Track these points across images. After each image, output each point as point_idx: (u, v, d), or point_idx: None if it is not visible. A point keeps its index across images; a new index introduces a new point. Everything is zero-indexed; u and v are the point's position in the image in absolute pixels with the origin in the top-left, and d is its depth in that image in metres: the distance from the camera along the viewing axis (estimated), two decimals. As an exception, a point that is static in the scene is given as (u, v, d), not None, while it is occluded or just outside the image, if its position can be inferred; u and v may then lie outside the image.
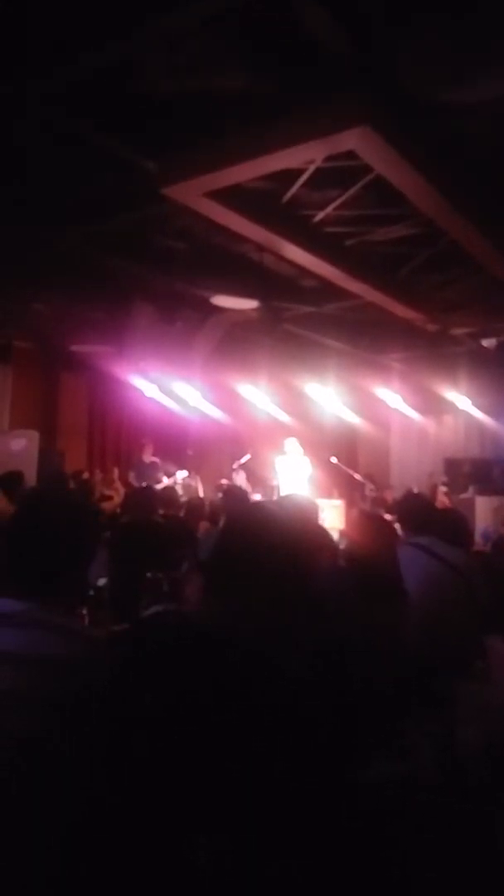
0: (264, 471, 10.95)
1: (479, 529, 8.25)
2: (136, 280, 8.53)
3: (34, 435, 10.04)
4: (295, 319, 9.52)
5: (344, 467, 11.08)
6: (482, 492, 10.70)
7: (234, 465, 11.19)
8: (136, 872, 1.30)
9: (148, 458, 10.80)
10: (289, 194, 5.99)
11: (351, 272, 7.51)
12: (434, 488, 10.29)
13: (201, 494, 10.63)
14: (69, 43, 4.03)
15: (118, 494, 9.24)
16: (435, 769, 2.09)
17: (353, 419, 12.53)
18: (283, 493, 9.30)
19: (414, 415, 12.53)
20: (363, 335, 10.54)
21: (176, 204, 5.84)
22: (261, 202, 6.11)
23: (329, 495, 10.52)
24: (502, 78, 4.39)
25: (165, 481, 10.29)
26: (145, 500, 5.40)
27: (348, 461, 11.60)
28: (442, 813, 1.90)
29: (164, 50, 4.23)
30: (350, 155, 5.00)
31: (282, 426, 11.85)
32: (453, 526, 3.91)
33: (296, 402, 12.24)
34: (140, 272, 8.14)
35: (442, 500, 9.73)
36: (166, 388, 11.41)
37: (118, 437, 12.67)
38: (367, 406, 12.36)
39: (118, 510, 7.52)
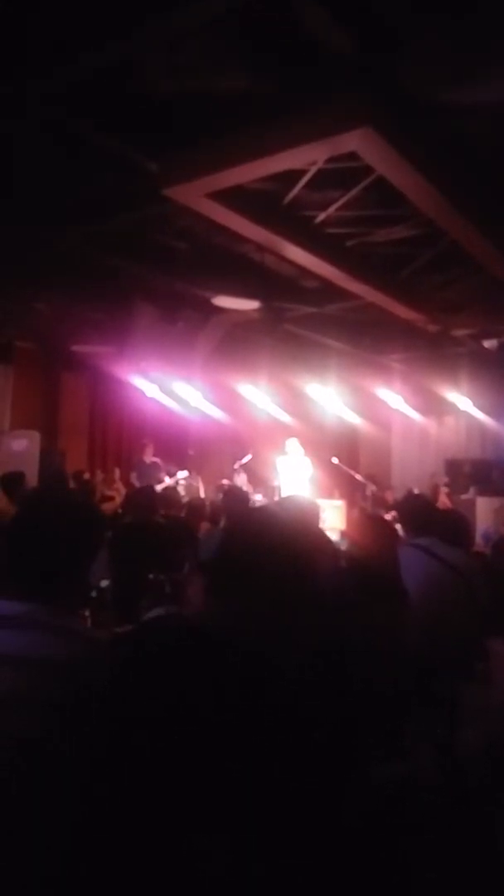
0: (265, 471, 10.96)
1: (479, 530, 8.26)
2: (137, 280, 8.53)
3: (35, 435, 10.04)
4: (296, 320, 9.52)
5: (345, 468, 11.08)
6: (483, 492, 10.72)
7: (236, 466, 11.20)
8: (137, 873, 1.29)
9: (149, 458, 10.80)
10: (290, 195, 6.00)
11: (352, 273, 7.51)
12: (435, 489, 10.29)
13: (202, 495, 10.64)
14: (69, 43, 4.02)
15: (119, 495, 9.25)
16: (435, 769, 2.09)
17: (354, 420, 12.54)
18: (284, 494, 9.31)
19: (415, 415, 12.53)
20: (364, 336, 10.54)
21: (177, 204, 5.84)
22: (262, 203, 6.11)
23: (330, 496, 10.53)
24: (503, 78, 4.39)
25: (167, 481, 10.30)
26: (146, 500, 5.40)
27: (349, 462, 11.60)
28: (442, 813, 1.89)
29: (164, 50, 4.22)
30: (351, 156, 5.00)
31: (283, 426, 11.85)
32: (454, 527, 3.91)
33: (297, 403, 12.25)
34: (141, 272, 8.14)
35: (444, 500, 9.73)
36: (167, 389, 11.42)
37: (119, 437, 12.68)
38: (368, 406, 12.36)
39: (119, 511, 7.53)
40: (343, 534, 6.99)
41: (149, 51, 4.24)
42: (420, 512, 4.01)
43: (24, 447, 9.86)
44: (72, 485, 9.21)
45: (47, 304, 9.08)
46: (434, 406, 12.30)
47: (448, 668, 2.80)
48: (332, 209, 6.31)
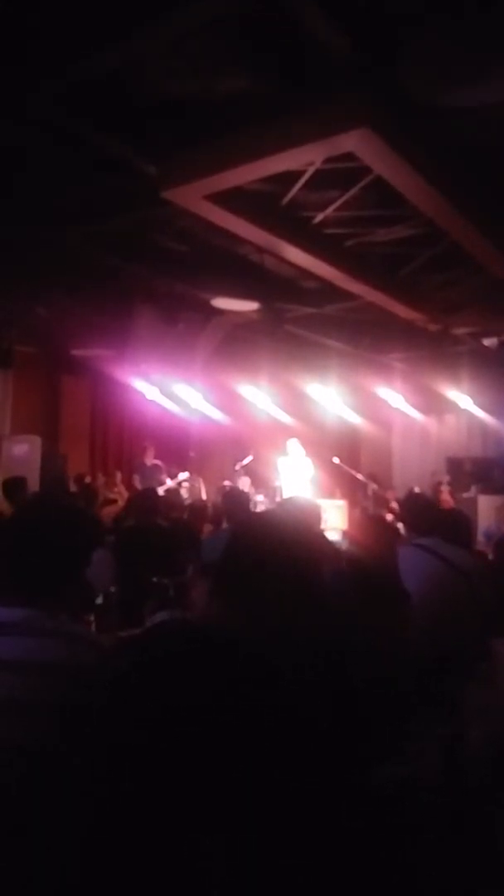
0: (266, 472, 10.96)
1: (481, 528, 8.26)
2: (137, 282, 8.53)
3: (36, 440, 10.05)
4: (296, 320, 9.52)
5: (346, 468, 11.08)
6: (484, 491, 10.73)
7: (237, 467, 11.20)
8: (140, 876, 1.30)
9: (150, 460, 10.81)
10: (288, 196, 5.99)
11: (351, 273, 7.50)
12: (437, 487, 10.30)
13: (204, 497, 10.66)
14: (69, 44, 4.03)
15: (122, 498, 9.25)
16: (436, 770, 2.10)
17: (355, 419, 12.53)
18: (285, 495, 9.32)
19: (416, 414, 12.53)
20: (364, 335, 10.53)
21: (176, 206, 5.85)
22: (261, 204, 6.10)
23: (331, 496, 10.53)
24: (502, 79, 4.38)
25: (169, 484, 10.31)
26: (149, 503, 5.40)
27: (350, 461, 11.60)
28: (442, 813, 1.90)
29: (164, 51, 4.22)
30: (350, 156, 4.99)
31: (283, 427, 11.86)
32: (455, 526, 3.92)
33: (297, 403, 12.25)
34: (141, 273, 8.15)
35: (446, 499, 9.74)
36: (168, 391, 11.42)
37: (120, 440, 12.69)
38: (369, 406, 12.36)
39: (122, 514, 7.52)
40: (344, 534, 7.00)
41: (149, 52, 4.24)
42: (422, 511, 4.01)
43: (25, 452, 9.87)
44: (73, 489, 9.22)
45: (47, 307, 9.08)
46: (435, 405, 12.30)
47: (450, 668, 2.80)
48: (330, 210, 6.30)
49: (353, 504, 10.29)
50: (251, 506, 7.02)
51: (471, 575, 3.46)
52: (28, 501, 5.64)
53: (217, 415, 11.96)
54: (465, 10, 3.82)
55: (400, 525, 4.18)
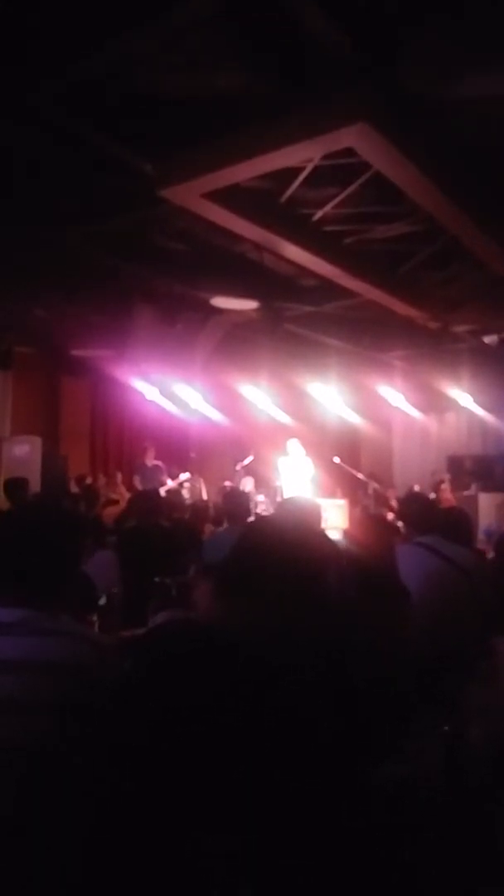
0: (267, 472, 10.96)
1: (481, 526, 8.26)
2: (136, 281, 8.53)
3: (36, 440, 10.06)
4: (295, 319, 9.51)
5: (346, 467, 11.08)
6: (485, 489, 10.74)
7: (237, 467, 11.20)
8: (141, 875, 1.30)
9: (150, 461, 10.81)
10: (287, 193, 5.98)
11: (351, 270, 7.49)
12: (437, 486, 10.30)
13: (205, 497, 10.66)
14: (68, 43, 4.03)
15: (123, 499, 9.25)
16: (436, 769, 2.10)
17: (355, 418, 12.53)
18: (286, 495, 9.32)
19: (416, 413, 12.52)
20: (364, 334, 10.52)
21: (175, 205, 5.84)
22: (259, 202, 6.09)
23: (332, 495, 10.53)
24: (501, 75, 4.38)
25: (169, 484, 10.31)
26: (151, 504, 5.40)
27: (351, 461, 11.60)
28: (443, 813, 1.90)
29: (163, 50, 4.22)
30: (348, 152, 4.99)
31: (284, 427, 11.85)
32: (456, 524, 3.92)
33: (297, 403, 12.25)
34: (140, 273, 8.14)
35: (447, 497, 9.74)
36: (168, 391, 11.42)
37: (120, 440, 12.69)
38: (369, 405, 12.35)
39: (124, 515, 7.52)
40: (345, 533, 6.99)
41: (148, 50, 4.24)
42: (422, 510, 4.01)
43: (25, 452, 9.88)
44: (74, 489, 9.23)
45: (46, 307, 9.08)
46: (435, 403, 12.30)
47: (450, 667, 2.80)
48: (329, 206, 6.29)
49: (353, 503, 10.29)
50: (252, 506, 7.03)
51: (471, 573, 3.45)
52: (27, 502, 5.65)
53: (217, 415, 11.96)
54: (465, 9, 3.82)
55: (400, 524, 4.17)
